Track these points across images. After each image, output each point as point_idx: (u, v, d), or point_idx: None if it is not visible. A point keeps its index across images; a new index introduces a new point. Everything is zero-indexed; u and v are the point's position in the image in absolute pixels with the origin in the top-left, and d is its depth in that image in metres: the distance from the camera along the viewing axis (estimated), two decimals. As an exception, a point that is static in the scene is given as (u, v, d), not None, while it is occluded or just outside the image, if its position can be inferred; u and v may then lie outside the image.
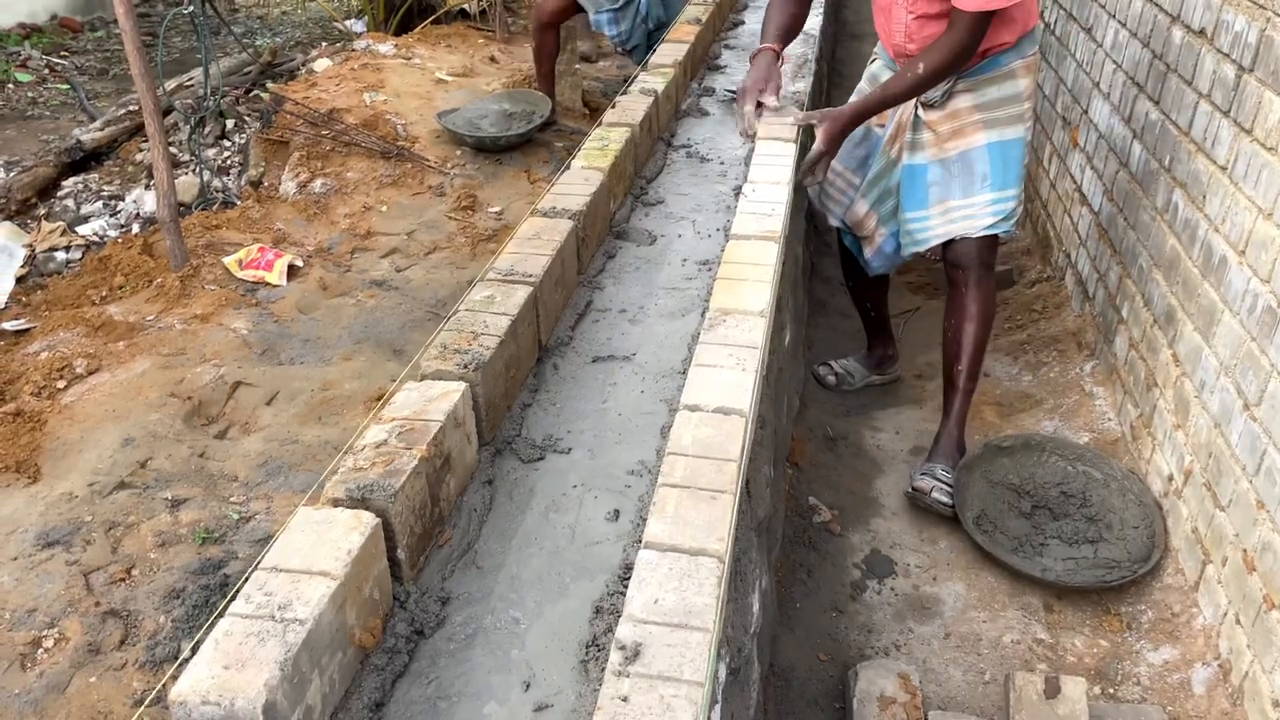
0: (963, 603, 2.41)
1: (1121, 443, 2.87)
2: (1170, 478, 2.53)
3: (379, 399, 3.11)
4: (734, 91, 3.21)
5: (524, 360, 1.68)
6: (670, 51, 3.11)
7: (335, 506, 1.17)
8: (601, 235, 2.21)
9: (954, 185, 2.70)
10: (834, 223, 3.02)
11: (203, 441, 2.87)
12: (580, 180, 2.14)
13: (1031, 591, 2.44)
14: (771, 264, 1.78)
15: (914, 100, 2.66)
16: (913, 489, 2.70)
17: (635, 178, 2.54)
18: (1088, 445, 2.80)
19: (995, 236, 2.73)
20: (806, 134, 2.69)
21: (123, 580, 2.43)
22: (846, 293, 3.99)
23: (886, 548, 2.57)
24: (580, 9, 4.72)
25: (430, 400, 1.37)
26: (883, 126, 2.81)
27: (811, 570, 2.44)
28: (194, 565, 2.45)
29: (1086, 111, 3.60)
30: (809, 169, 2.55)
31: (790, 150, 2.32)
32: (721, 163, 2.72)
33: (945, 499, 2.63)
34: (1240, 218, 2.26)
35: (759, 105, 2.63)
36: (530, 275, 1.73)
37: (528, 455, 1.52)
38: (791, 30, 2.81)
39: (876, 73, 2.89)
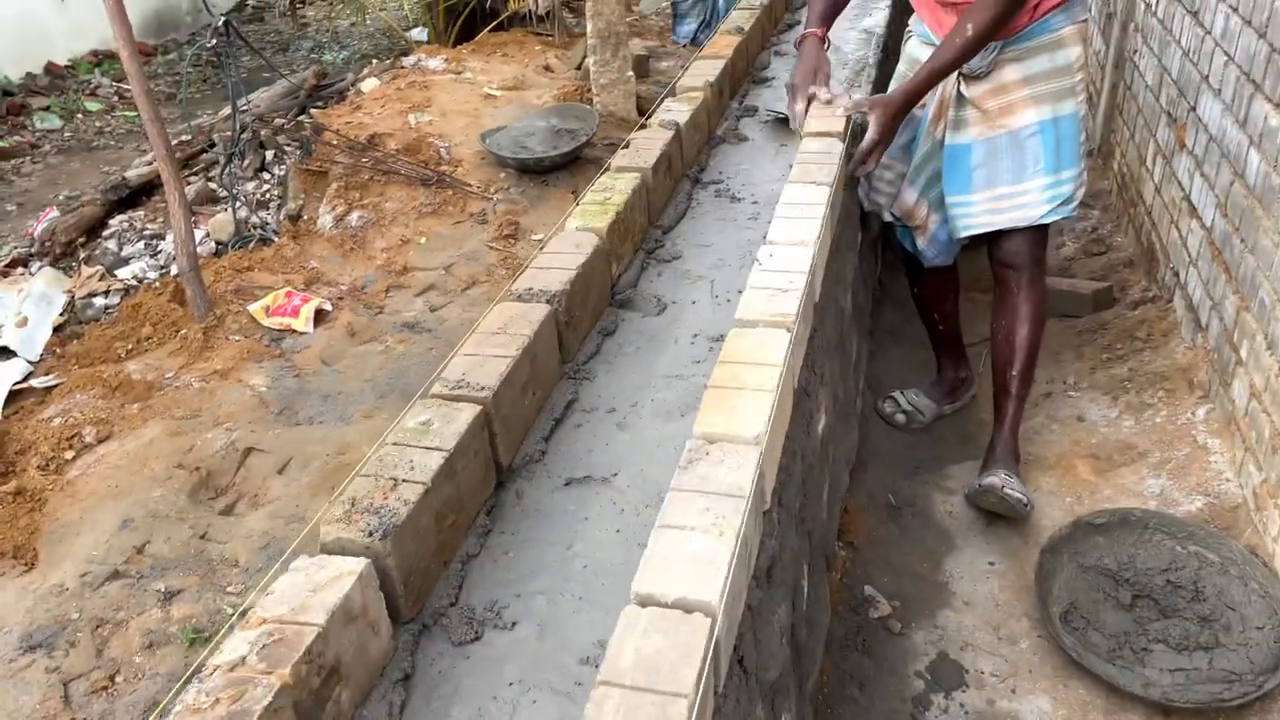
0: (1046, 723, 2.03)
1: (1242, 510, 2.43)
2: (1303, 566, 2.10)
3: (379, 446, 2.88)
4: (775, 112, 2.88)
5: (469, 500, 1.39)
6: (703, 70, 2.77)
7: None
8: (599, 308, 1.90)
9: (1002, 168, 2.48)
10: (886, 218, 2.81)
11: (206, 519, 2.67)
12: (570, 247, 1.83)
13: (1133, 708, 2.04)
14: (779, 364, 1.45)
15: (956, 74, 2.44)
16: (980, 486, 2.50)
17: (650, 228, 2.22)
18: (1200, 522, 2.37)
19: (1046, 228, 2.54)
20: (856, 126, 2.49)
21: (104, 689, 2.24)
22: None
23: (956, 649, 2.20)
24: None
25: (316, 590, 1.09)
26: (923, 107, 2.58)
27: (865, 683, 2.09)
28: (179, 671, 2.25)
29: (1195, 109, 3.12)
30: (861, 160, 2.38)
31: (824, 196, 1.96)
32: (754, 201, 2.38)
33: (1020, 494, 2.46)
34: (1390, 259, 1.81)
35: (810, 100, 2.46)
36: (482, 389, 1.43)
37: (460, 635, 1.23)
38: (837, 7, 2.64)
39: (914, 52, 2.67)
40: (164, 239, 4.40)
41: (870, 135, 2.35)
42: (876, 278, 3.53)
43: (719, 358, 1.48)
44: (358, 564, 1.12)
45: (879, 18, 3.79)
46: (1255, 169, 2.54)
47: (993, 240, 2.59)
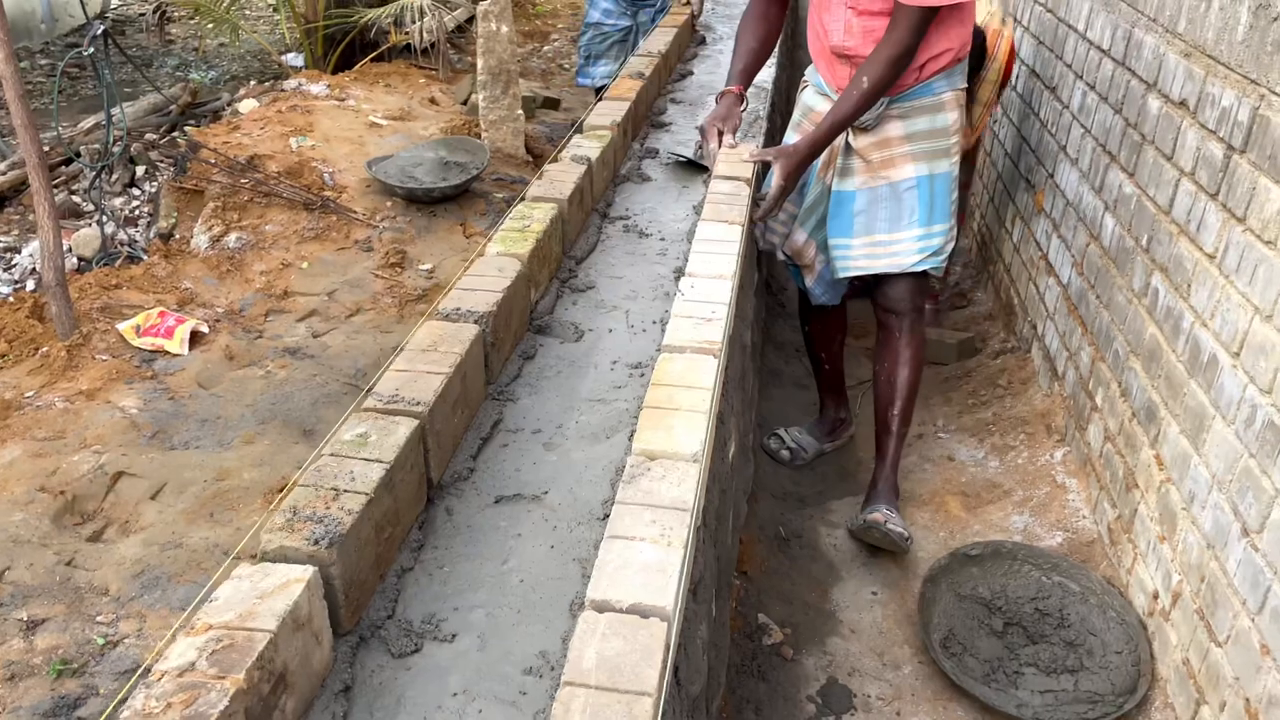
0: (929, 744, 2.14)
1: (1098, 545, 2.62)
2: (1155, 595, 2.28)
3: (280, 490, 2.79)
4: (677, 155, 2.99)
5: (405, 513, 1.38)
6: (608, 110, 2.84)
7: (100, 786, 0.86)
8: (519, 333, 1.92)
9: (880, 216, 2.67)
10: (780, 256, 2.96)
11: (72, 546, 2.52)
12: (494, 271, 1.85)
13: (1006, 728, 2.16)
14: (709, 386, 1.50)
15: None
16: (865, 521, 2.62)
17: (564, 258, 2.26)
18: (1063, 555, 2.55)
19: (925, 276, 2.74)
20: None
21: (-42, 725, 2.07)
22: (801, 361, 3.76)
23: (845, 674, 2.29)
24: None
25: (263, 596, 1.07)
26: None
27: (760, 707, 2.15)
28: (45, 705, 2.10)
29: (1053, 175, 3.39)
30: (770, 206, 2.51)
31: (736, 234, 2.05)
32: (662, 238, 2.45)
33: (901, 529, 2.59)
34: (1233, 315, 2.03)
35: (721, 140, 2.62)
36: (418, 404, 1.43)
37: (400, 647, 1.22)
38: (754, 68, 2.81)
39: (809, 101, 2.83)
40: (18, 252, 4.15)
41: (775, 183, 2.47)
42: (763, 319, 3.66)
43: (652, 380, 1.53)
44: (305, 571, 1.11)
45: (767, 74, 3.97)
46: (1110, 231, 2.79)
47: (877, 287, 2.75)
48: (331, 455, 1.31)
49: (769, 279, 4.00)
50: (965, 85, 2.68)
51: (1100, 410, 2.74)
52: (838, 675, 2.29)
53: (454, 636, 1.25)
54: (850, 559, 2.68)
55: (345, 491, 1.24)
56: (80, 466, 2.75)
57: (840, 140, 2.65)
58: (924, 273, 2.69)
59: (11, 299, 3.71)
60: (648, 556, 1.16)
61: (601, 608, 1.09)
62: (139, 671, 0.97)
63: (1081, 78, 3.17)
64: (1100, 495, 2.67)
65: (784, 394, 3.61)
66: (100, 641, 2.26)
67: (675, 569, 1.14)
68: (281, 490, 2.77)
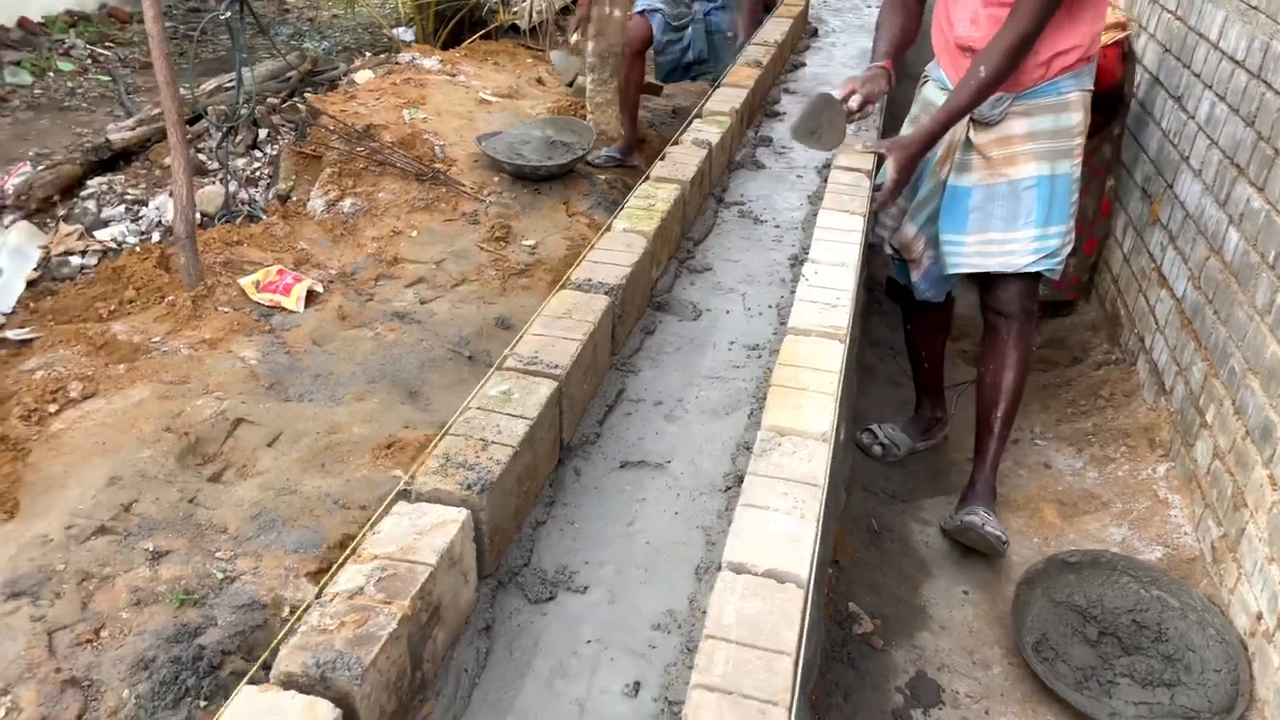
0: (1017, 744, 2.14)
1: (1199, 563, 2.59)
2: (1259, 616, 2.25)
3: (389, 447, 2.89)
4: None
5: (541, 469, 1.44)
6: (727, 97, 2.87)
7: (287, 689, 0.93)
8: (641, 308, 1.97)
9: (996, 214, 2.63)
10: (887, 250, 2.94)
11: (195, 484, 2.65)
12: (622, 246, 1.91)
13: (1096, 736, 2.15)
14: (836, 370, 1.54)
15: (967, 119, 2.58)
16: (962, 522, 2.61)
17: (682, 239, 2.30)
18: (1164, 569, 2.52)
19: (1038, 279, 2.70)
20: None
21: (89, 642, 2.21)
22: (895, 360, 3.75)
23: (934, 669, 2.30)
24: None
25: (422, 533, 1.14)
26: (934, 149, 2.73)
27: (849, 693, 2.17)
28: (168, 630, 2.23)
29: (1171, 186, 3.33)
30: (884, 200, 2.50)
31: (858, 224, 2.07)
32: (777, 225, 2.48)
33: (998, 532, 2.57)
34: (1367, 337, 1.98)
35: (850, 92, 2.61)
36: (556, 366, 1.49)
37: (536, 594, 1.28)
38: (903, 43, 2.80)
39: (929, 95, 2.81)
40: (145, 205, 4.34)
41: (890, 175, 2.47)
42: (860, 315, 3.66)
43: (778, 360, 1.56)
44: (459, 513, 1.17)
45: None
46: (1234, 246, 2.73)
47: (987, 287, 2.73)
48: (479, 409, 1.38)
49: (868, 276, 3.99)
50: (1092, 87, 2.64)
51: (1210, 427, 2.69)
52: (926, 669, 2.30)
53: (585, 589, 1.31)
54: (942, 557, 2.69)
55: (493, 443, 1.30)
56: (203, 411, 2.89)
57: (959, 135, 2.63)
58: (1037, 275, 2.67)
59: (139, 249, 3.89)
60: (782, 526, 1.20)
61: (739, 569, 1.13)
62: (317, 591, 1.05)
63: (1211, 88, 3.10)
64: (1205, 513, 2.63)
65: (878, 390, 3.61)
66: (219, 576, 2.38)
67: (809, 539, 1.17)
68: (390, 446, 2.88)
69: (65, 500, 2.54)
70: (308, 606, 1.04)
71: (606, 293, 1.73)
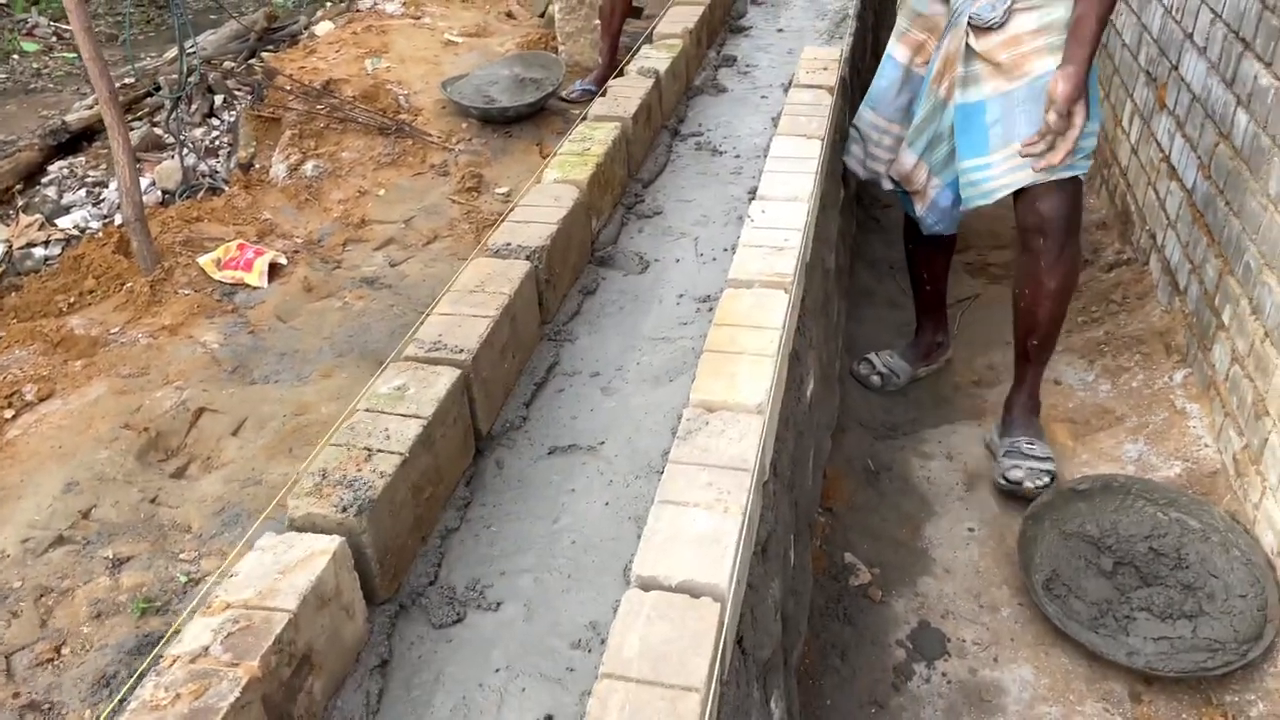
0: (1030, 692, 2.00)
1: (1221, 476, 2.41)
2: (1286, 534, 2.08)
3: (349, 413, 2.76)
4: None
5: (448, 470, 1.29)
6: (680, 16, 2.65)
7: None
8: (579, 265, 1.80)
9: (1019, 120, 2.29)
10: (886, 185, 2.68)
11: (156, 483, 2.54)
12: (550, 200, 1.73)
13: (1115, 677, 2.02)
14: (779, 325, 1.36)
15: (964, 27, 2.30)
16: (1006, 481, 2.43)
17: (629, 181, 2.12)
18: (1182, 488, 2.35)
19: (1079, 185, 2.36)
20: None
21: (50, 661, 2.13)
22: (894, 279, 3.55)
23: (937, 618, 2.16)
24: None
25: (285, 571, 0.99)
26: (925, 64, 2.46)
27: (846, 652, 2.04)
28: (130, 643, 2.13)
29: (1176, 67, 3.06)
30: (1070, 147, 2.17)
31: (815, 149, 1.87)
32: (737, 155, 2.28)
33: (1046, 480, 2.40)
34: (1391, 224, 1.77)
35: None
36: (461, 351, 1.33)
37: (441, 616, 1.14)
38: None
39: (916, 6, 2.49)
40: (107, 187, 4.20)
41: (1078, 122, 2.16)
42: (852, 236, 3.46)
43: (714, 320, 1.40)
44: (330, 543, 1.03)
45: (856, -32, 3.68)
46: (1243, 129, 2.49)
47: (1022, 203, 2.38)
48: (366, 411, 1.23)
49: (859, 191, 3.77)
50: None
51: (1227, 329, 2.49)
52: (930, 618, 2.16)
53: (499, 605, 1.16)
54: (944, 493, 2.53)
55: (379, 451, 1.15)
56: (163, 403, 2.77)
57: (958, 44, 2.35)
58: (1076, 179, 2.35)
59: (100, 235, 3.75)
60: (701, 526, 1.04)
61: (648, 585, 0.98)
62: (150, 657, 0.91)
63: (1213, -46, 2.82)
64: (1225, 422, 2.44)
65: (875, 314, 3.42)
66: (183, 579, 2.28)
67: (732, 540, 1.02)
68: (350, 413, 2.74)
69: (21, 512, 2.44)
70: (142, 674, 0.91)
71: (528, 257, 1.56)
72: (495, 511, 1.30)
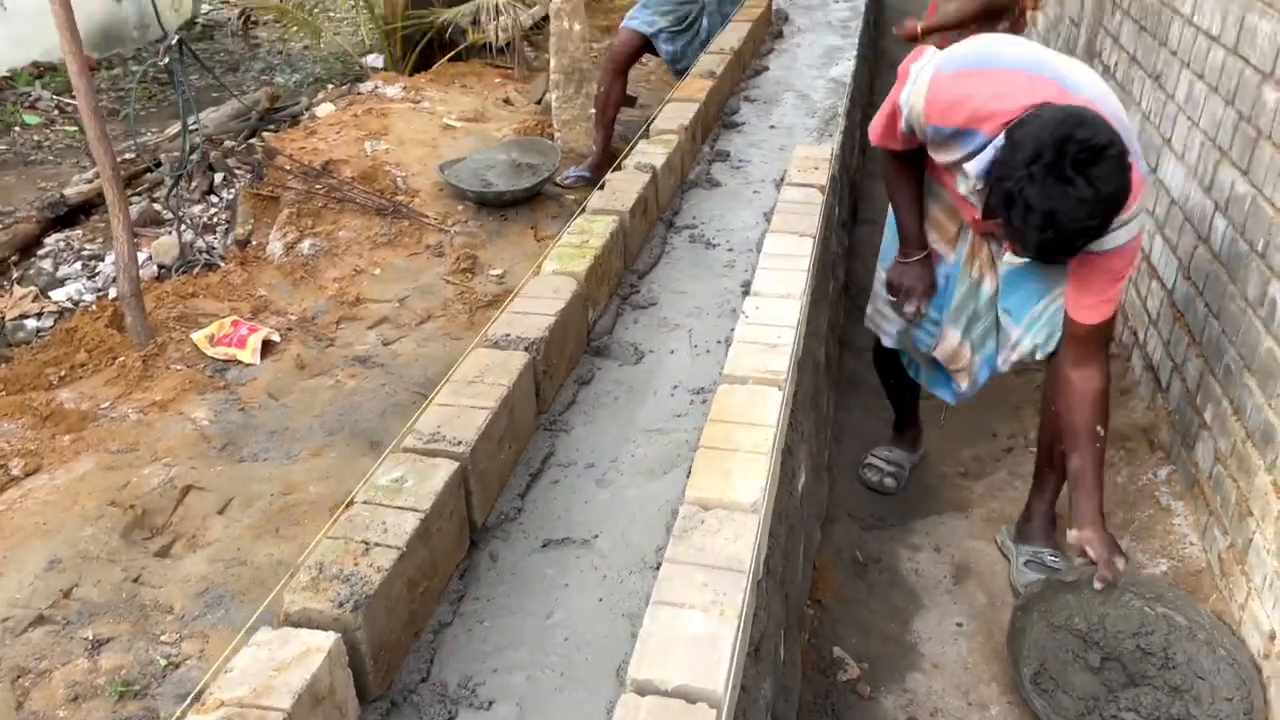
0: (1018, 793, 1.98)
1: (1207, 575, 2.42)
2: (1272, 635, 2.08)
3: (347, 505, 2.75)
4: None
5: (443, 563, 1.30)
6: (676, 113, 2.73)
7: None
8: (574, 356, 1.82)
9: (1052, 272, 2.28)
10: (887, 343, 2.72)
11: (139, 562, 2.52)
12: (549, 292, 1.76)
13: (1103, 779, 2.00)
14: (772, 423, 1.38)
15: (981, 235, 2.35)
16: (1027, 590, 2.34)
17: (626, 272, 2.16)
18: (1169, 583, 2.36)
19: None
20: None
21: (23, 746, 2.08)
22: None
23: (926, 715, 2.15)
24: (652, 49, 4.43)
25: (280, 668, 0.99)
26: (952, 249, 2.46)
27: (833, 750, 2.02)
28: (106, 727, 2.10)
29: (1155, 170, 3.16)
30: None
31: (808, 247, 1.92)
32: (730, 249, 2.33)
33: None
34: (1366, 332, 1.82)
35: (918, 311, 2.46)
36: (459, 443, 1.35)
37: (433, 716, 1.13)
38: (922, 219, 2.44)
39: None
40: (103, 260, 4.23)
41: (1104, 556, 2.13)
42: (840, 326, 3.51)
43: (709, 415, 1.42)
44: (326, 639, 1.03)
45: (845, 67, 3.81)
46: (1221, 234, 2.57)
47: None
48: (364, 503, 1.24)
49: (847, 282, 3.84)
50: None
51: (1210, 428, 2.53)
52: (919, 715, 2.15)
53: (491, 704, 1.16)
54: (933, 585, 2.53)
55: (376, 545, 1.16)
56: (151, 480, 2.76)
57: (984, 243, 2.38)
58: None
59: (94, 308, 3.77)
60: (697, 628, 1.05)
61: (644, 689, 0.99)
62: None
63: (1188, 66, 2.93)
64: (1210, 521, 2.46)
65: (863, 403, 3.45)
66: (163, 662, 2.25)
67: (728, 643, 1.03)
68: (348, 505, 2.73)
69: (2, 589, 2.41)
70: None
71: (526, 348, 1.59)
72: (489, 606, 1.30)
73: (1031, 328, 2.39)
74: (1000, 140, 1.91)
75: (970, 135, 2.01)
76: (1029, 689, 2.12)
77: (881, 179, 2.56)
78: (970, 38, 2.20)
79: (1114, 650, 2.21)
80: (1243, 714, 2.02)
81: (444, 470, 1.29)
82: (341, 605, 1.07)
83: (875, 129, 2.27)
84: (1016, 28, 3.92)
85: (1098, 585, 2.11)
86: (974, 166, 1.96)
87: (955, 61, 2.07)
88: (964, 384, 2.61)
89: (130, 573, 2.48)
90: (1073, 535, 2.15)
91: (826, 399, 2.64)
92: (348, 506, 1.22)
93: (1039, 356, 2.41)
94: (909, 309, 2.46)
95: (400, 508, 1.22)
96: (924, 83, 2.07)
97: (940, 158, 2.15)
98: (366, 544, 1.16)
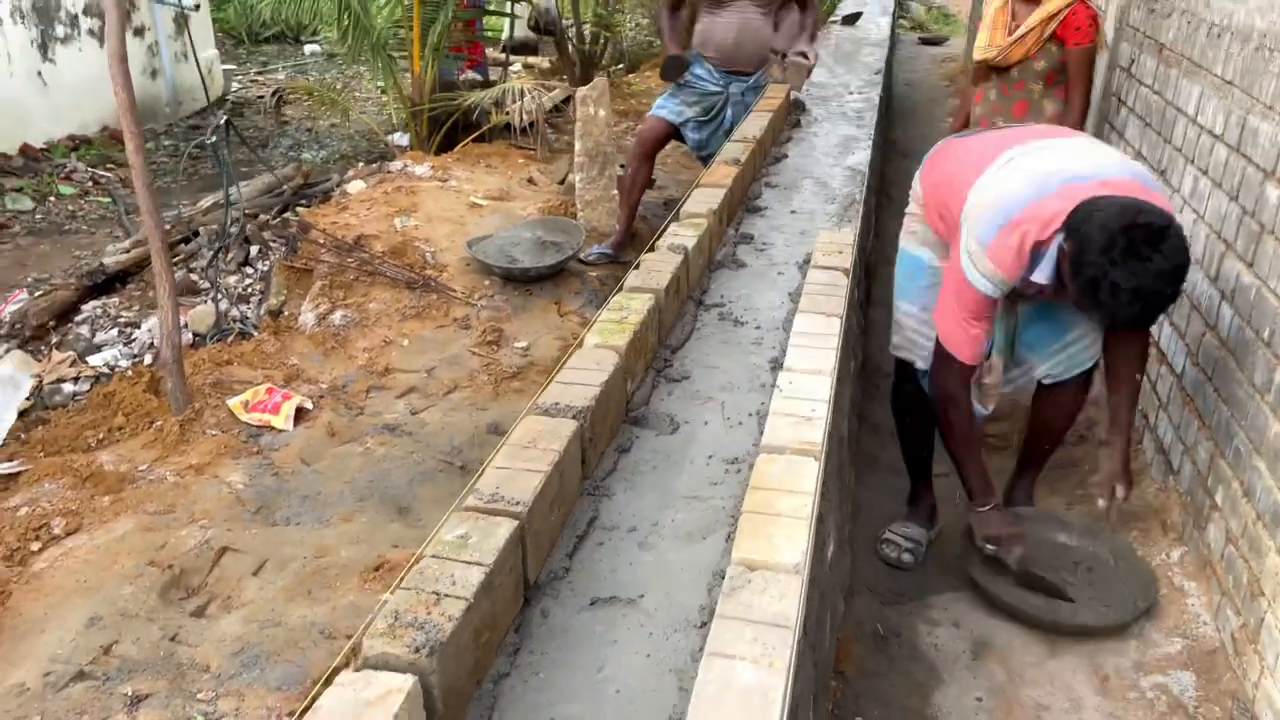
0: None
1: (1220, 654, 2.47)
2: (1287, 714, 2.13)
3: (377, 569, 2.81)
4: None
5: (503, 615, 1.37)
6: (704, 198, 2.87)
7: None
8: (615, 425, 1.92)
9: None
10: (920, 365, 2.87)
11: (176, 621, 2.58)
12: (593, 364, 1.87)
13: None
14: (810, 490, 1.47)
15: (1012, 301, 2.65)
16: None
17: (660, 347, 2.27)
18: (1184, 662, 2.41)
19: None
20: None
21: (62, 800, 2.12)
22: (896, 446, 3.66)
23: (947, 787, 2.18)
24: (679, 136, 4.62)
25: (365, 708, 1.07)
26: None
27: (857, 823, 2.06)
28: (144, 783, 2.14)
29: (1163, 260, 3.27)
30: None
31: (835, 327, 2.03)
32: (757, 327, 2.44)
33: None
34: (1369, 418, 1.91)
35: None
36: (518, 503, 1.44)
37: (496, 760, 1.20)
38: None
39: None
40: (139, 327, 4.35)
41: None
42: (859, 404, 3.60)
43: (750, 483, 1.51)
44: (405, 681, 1.10)
45: (861, 156, 3.97)
46: (1227, 322, 2.68)
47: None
48: (433, 556, 1.32)
49: (864, 363, 3.94)
50: None
51: (1221, 509, 2.60)
52: (940, 787, 2.18)
53: (550, 750, 1.23)
54: (952, 660, 2.58)
55: (446, 596, 1.24)
56: (187, 541, 2.84)
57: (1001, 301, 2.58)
58: None
59: (130, 373, 3.88)
60: (748, 679, 1.13)
61: (702, 734, 1.06)
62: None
63: (1193, 162, 3.08)
64: (1222, 601, 2.52)
65: (879, 480, 3.53)
66: (200, 719, 2.30)
67: (778, 695, 1.10)
68: (378, 568, 2.80)
69: (44, 645, 2.47)
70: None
71: (574, 416, 1.68)
72: (543, 659, 1.37)
73: (1050, 359, 2.77)
74: (1060, 244, 2.24)
75: (1036, 255, 2.32)
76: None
77: (939, 411, 2.71)
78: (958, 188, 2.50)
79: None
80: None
81: (505, 528, 1.38)
82: (418, 650, 1.15)
83: (964, 340, 2.48)
84: None
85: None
86: (1041, 275, 2.31)
87: (988, 224, 2.35)
88: (990, 405, 2.82)
89: (168, 631, 2.54)
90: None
91: (848, 473, 2.72)
92: (417, 560, 1.31)
93: (1046, 382, 2.81)
94: (1017, 553, 2.68)
95: (466, 562, 1.30)
96: (986, 261, 2.34)
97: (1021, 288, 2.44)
98: (437, 594, 1.24)
